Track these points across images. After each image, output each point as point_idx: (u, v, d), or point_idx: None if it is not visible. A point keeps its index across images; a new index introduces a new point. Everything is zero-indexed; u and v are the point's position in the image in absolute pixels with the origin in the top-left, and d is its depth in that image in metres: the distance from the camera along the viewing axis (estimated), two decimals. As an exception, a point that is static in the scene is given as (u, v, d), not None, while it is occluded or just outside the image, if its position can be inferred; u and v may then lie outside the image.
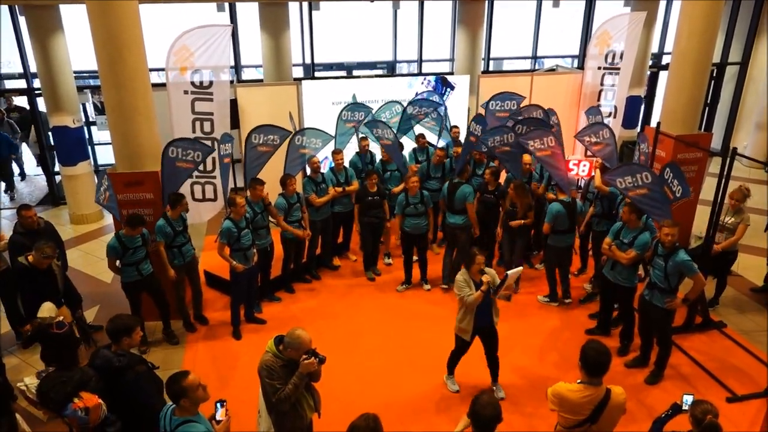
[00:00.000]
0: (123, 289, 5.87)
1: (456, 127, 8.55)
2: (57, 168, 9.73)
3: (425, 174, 7.68)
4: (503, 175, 7.67)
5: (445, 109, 8.40)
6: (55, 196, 10.29)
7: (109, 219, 9.27)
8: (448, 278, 7.24)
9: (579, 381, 3.50)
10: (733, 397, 5.31)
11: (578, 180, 7.33)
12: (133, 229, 5.59)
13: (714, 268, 6.43)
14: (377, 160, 8.05)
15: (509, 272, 4.75)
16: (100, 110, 9.53)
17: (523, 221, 6.81)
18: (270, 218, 6.72)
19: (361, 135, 8.03)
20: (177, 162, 6.21)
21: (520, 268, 5.00)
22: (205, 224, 8.61)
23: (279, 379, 3.57)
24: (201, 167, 7.00)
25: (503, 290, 4.83)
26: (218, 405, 3.44)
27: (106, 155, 10.46)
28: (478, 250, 4.96)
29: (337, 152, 7.40)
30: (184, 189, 6.62)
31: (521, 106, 8.13)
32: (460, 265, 7.25)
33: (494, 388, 5.35)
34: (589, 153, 9.21)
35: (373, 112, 8.22)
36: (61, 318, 4.75)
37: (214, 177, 7.39)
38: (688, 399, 3.49)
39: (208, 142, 7.17)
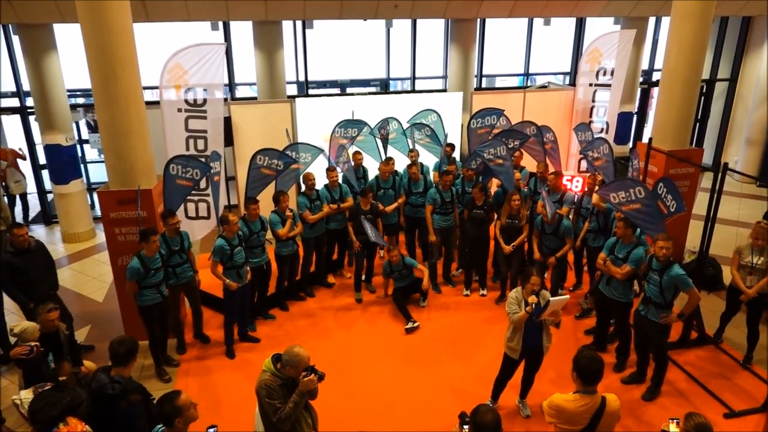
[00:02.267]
0: (141, 315, 5.73)
1: (449, 145, 8.59)
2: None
3: (407, 190, 7.73)
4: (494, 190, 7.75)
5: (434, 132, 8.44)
6: (47, 215, 10.23)
7: (101, 237, 9.22)
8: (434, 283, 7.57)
9: (575, 391, 3.49)
10: (731, 412, 5.29)
11: (574, 196, 7.37)
12: (148, 242, 5.46)
13: (748, 315, 5.98)
14: (371, 176, 8.06)
15: (552, 299, 4.68)
16: (93, 128, 9.54)
17: (521, 239, 6.90)
18: (267, 237, 6.70)
19: (354, 150, 8.07)
20: (177, 179, 6.23)
21: (567, 296, 4.95)
22: (198, 242, 8.57)
23: (279, 399, 3.54)
24: (195, 184, 7.02)
25: (549, 315, 4.76)
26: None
27: (99, 173, 10.44)
28: (535, 271, 4.88)
29: (331, 169, 7.42)
30: (178, 207, 6.61)
31: (515, 123, 8.23)
32: (432, 263, 7.51)
33: (520, 405, 5.33)
34: (582, 168, 9.36)
35: (372, 127, 8.27)
36: (34, 344, 4.60)
37: (208, 195, 7.38)
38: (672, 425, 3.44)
39: (202, 160, 7.18)
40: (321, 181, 7.52)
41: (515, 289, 4.96)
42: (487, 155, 7.14)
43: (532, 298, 4.71)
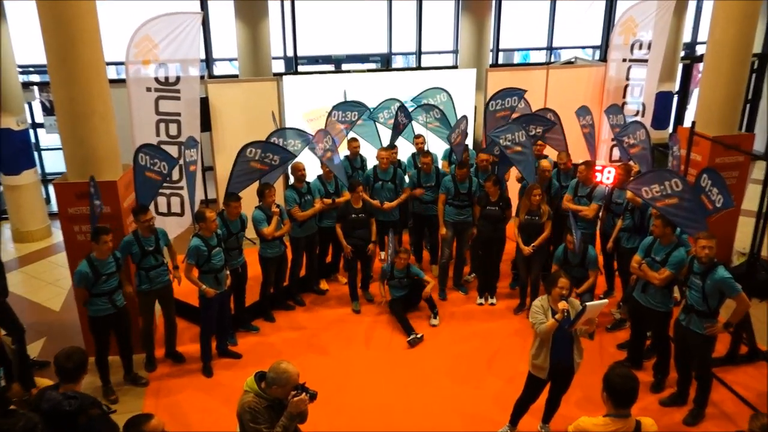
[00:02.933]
0: (90, 326, 5.75)
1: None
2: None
3: (415, 183, 7.74)
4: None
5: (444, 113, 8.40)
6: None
7: (58, 236, 9.22)
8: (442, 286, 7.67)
9: (605, 414, 3.50)
10: (786, 439, 5.29)
11: (605, 189, 7.37)
12: (98, 242, 5.44)
13: None
14: (369, 167, 8.06)
15: (588, 304, 4.55)
16: (49, 110, 9.54)
17: (542, 238, 6.89)
18: (247, 237, 6.70)
19: (350, 137, 8.06)
20: (146, 171, 6.22)
21: (605, 300, 4.90)
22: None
23: (265, 423, 3.55)
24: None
25: (582, 324, 4.69)
26: None
27: (55, 162, 10.45)
28: (563, 273, 4.85)
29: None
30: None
31: (535, 111, 8.20)
32: (443, 263, 7.57)
33: (543, 430, 5.34)
34: (615, 157, 9.34)
35: (372, 110, 8.25)
36: None
37: (181, 188, 7.38)
38: None
39: (175, 147, 7.18)
40: (313, 172, 7.52)
41: (540, 297, 4.94)
42: (504, 141, 7.11)
43: (562, 304, 4.67)
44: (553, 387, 5.12)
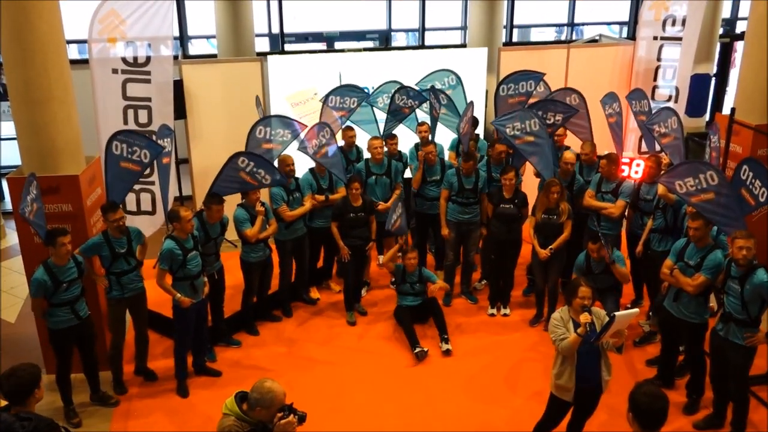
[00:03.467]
0: (50, 339, 5.75)
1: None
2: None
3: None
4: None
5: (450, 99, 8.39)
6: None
7: (13, 238, 9.24)
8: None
9: (631, 438, 3.52)
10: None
11: (634, 185, 7.38)
12: (55, 246, 5.40)
13: None
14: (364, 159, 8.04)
15: (617, 314, 4.53)
16: (2, 95, 9.54)
17: (561, 240, 6.91)
18: (227, 239, 6.71)
19: (346, 125, 8.07)
20: (122, 161, 6.21)
21: (635, 310, 4.90)
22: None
23: (247, 450, 3.56)
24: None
25: (610, 336, 4.67)
26: None
27: (10, 155, 10.46)
28: (583, 281, 4.86)
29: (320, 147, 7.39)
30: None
31: (553, 90, 8.20)
32: (448, 266, 7.60)
33: None
34: (644, 149, 9.35)
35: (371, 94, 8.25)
36: None
37: (152, 183, 7.39)
38: None
39: (152, 138, 7.19)
40: (303, 166, 7.52)
41: (559, 309, 4.96)
42: (511, 131, 7.09)
43: (584, 317, 4.67)
44: (577, 409, 5.10)
